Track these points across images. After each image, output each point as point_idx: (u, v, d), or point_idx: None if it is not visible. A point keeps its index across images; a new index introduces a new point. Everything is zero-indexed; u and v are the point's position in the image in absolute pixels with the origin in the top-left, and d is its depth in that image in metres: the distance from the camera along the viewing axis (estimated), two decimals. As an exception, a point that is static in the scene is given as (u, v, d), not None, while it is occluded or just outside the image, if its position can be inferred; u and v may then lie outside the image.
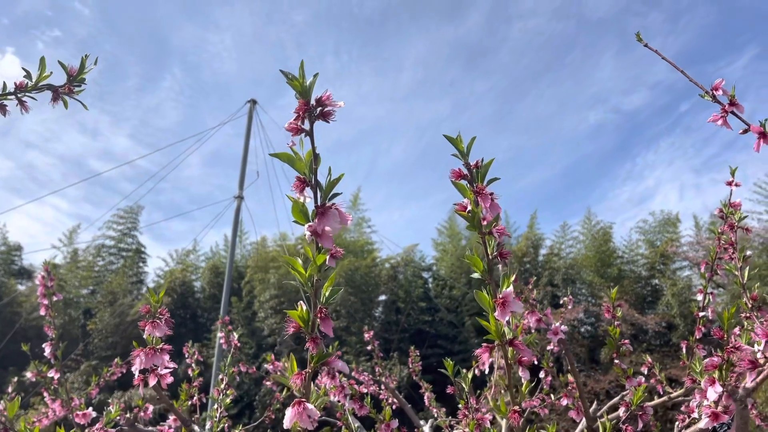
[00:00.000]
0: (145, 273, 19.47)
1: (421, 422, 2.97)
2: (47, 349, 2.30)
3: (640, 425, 1.25)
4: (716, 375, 1.00)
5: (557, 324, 1.77)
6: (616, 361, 1.68)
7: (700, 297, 1.83)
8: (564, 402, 1.90)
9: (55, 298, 2.29)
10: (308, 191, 0.75)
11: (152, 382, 1.15)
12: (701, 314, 1.82)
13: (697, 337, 1.81)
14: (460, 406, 1.64)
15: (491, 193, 0.82)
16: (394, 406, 3.18)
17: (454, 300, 17.95)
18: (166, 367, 1.17)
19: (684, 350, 1.85)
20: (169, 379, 1.18)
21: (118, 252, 19.29)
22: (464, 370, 1.52)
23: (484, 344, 0.79)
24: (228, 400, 1.82)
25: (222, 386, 1.96)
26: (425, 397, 3.35)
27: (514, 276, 0.78)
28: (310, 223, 0.74)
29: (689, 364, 1.15)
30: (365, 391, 1.95)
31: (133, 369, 1.15)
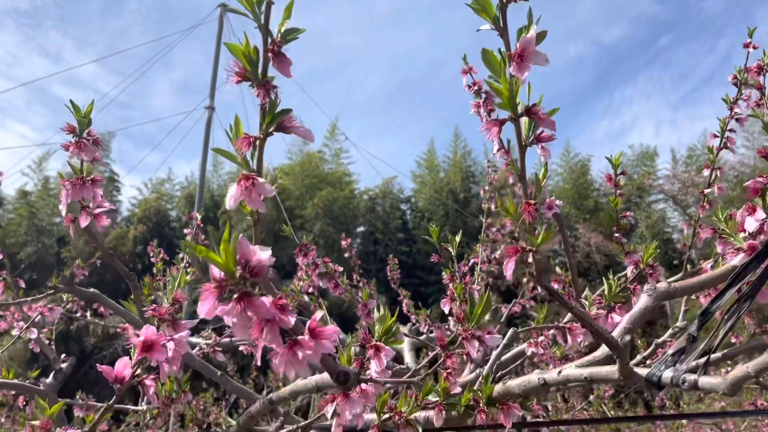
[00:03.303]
0: (119, 202, 19.08)
1: (400, 326, 2.85)
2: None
3: (652, 281, 1.10)
4: (758, 202, 0.84)
5: (551, 197, 1.60)
6: (616, 235, 1.54)
7: (706, 172, 1.68)
8: (555, 286, 1.75)
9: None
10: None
11: (84, 222, 0.97)
12: (706, 191, 1.68)
13: (702, 215, 1.67)
14: (444, 275, 1.49)
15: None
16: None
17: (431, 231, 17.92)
18: (101, 206, 0.98)
19: (685, 232, 1.72)
20: (105, 221, 0.99)
21: (89, 180, 18.82)
22: (450, 235, 1.36)
23: (491, 121, 0.61)
24: (188, 278, 1.64)
25: (182, 264, 1.79)
26: (403, 304, 3.23)
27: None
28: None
29: (715, 212, 0.99)
30: (341, 269, 1.81)
31: (60, 207, 0.96)
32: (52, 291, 1.17)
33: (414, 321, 3.09)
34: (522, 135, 0.61)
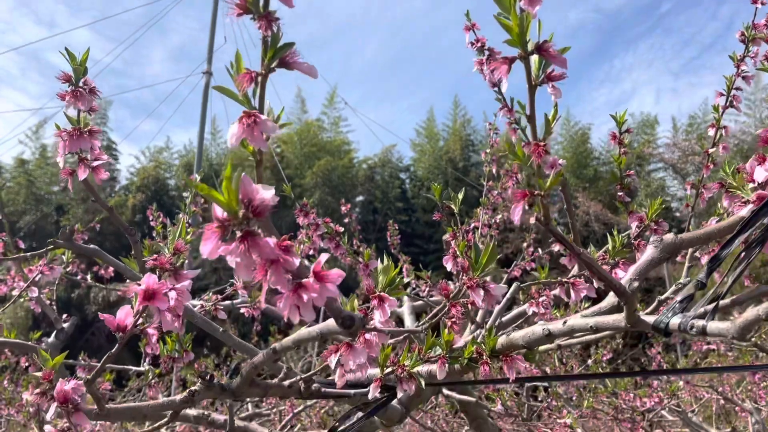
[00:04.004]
0: (117, 171, 19.02)
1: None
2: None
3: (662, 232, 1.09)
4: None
5: (554, 156, 1.58)
6: (620, 194, 1.52)
7: (711, 132, 1.65)
8: (555, 248, 1.74)
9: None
10: None
11: (82, 175, 0.95)
12: (711, 150, 1.66)
13: (705, 175, 1.65)
14: (446, 236, 1.49)
15: None
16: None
17: (430, 200, 17.92)
18: (99, 158, 0.96)
19: (688, 192, 1.70)
20: (104, 175, 0.98)
21: (87, 149, 18.73)
22: (452, 192, 1.35)
23: (499, 59, 0.59)
24: (189, 238, 1.62)
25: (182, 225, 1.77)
26: (403, 270, 3.23)
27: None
28: None
29: (723, 167, 0.98)
30: (342, 230, 1.80)
31: (57, 159, 0.94)
32: (52, 246, 1.16)
33: (414, 286, 3.10)
34: (532, 74, 0.59)
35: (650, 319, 0.67)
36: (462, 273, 0.75)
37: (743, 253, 0.65)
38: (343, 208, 3.53)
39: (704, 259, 1.42)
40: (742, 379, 3.83)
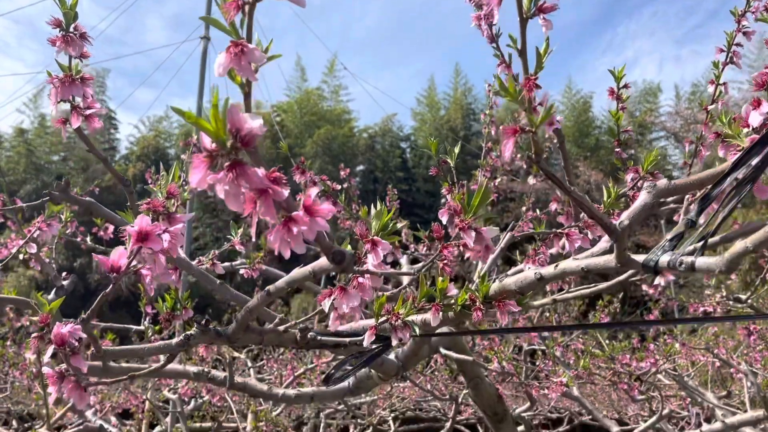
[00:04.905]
0: (117, 140, 18.96)
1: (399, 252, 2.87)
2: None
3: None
4: (763, 95, 0.82)
5: (546, 92, 1.57)
6: (617, 150, 1.52)
7: (711, 89, 1.64)
8: (552, 207, 1.74)
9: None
10: None
11: (75, 123, 0.95)
12: (710, 107, 1.64)
13: (704, 132, 1.64)
14: (443, 190, 1.48)
15: None
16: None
17: (430, 169, 17.89)
18: (91, 107, 0.96)
19: (687, 149, 1.69)
20: (98, 124, 0.97)
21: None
22: (449, 146, 1.34)
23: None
24: (186, 195, 1.63)
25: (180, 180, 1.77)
26: (402, 234, 3.24)
27: None
28: None
29: (719, 116, 0.97)
30: (338, 187, 1.81)
31: (50, 108, 0.94)
32: (48, 198, 1.16)
33: (413, 250, 3.12)
34: (523, 6, 0.59)
35: (640, 258, 0.68)
36: (455, 215, 0.75)
37: (733, 191, 0.65)
38: (342, 173, 3.52)
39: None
40: (739, 344, 3.87)
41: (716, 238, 0.75)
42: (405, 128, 20.52)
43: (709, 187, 0.67)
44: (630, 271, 1.42)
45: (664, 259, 0.64)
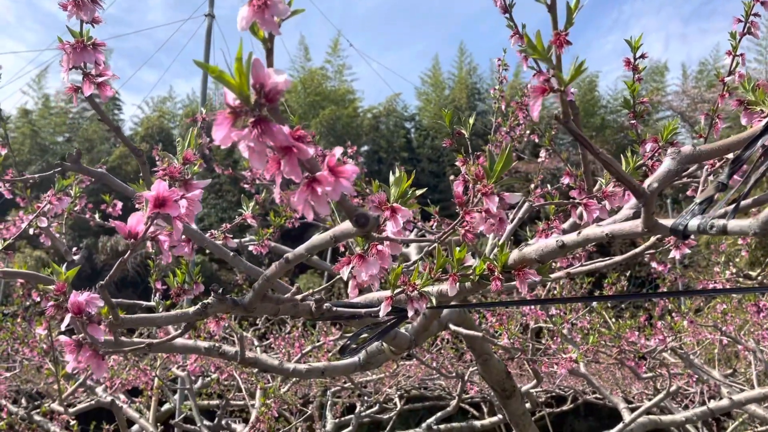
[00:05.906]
0: (120, 120, 18.91)
1: (406, 232, 2.86)
2: None
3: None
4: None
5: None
6: (633, 122, 1.49)
7: (728, 60, 1.61)
8: (565, 181, 1.72)
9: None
10: None
11: (87, 91, 0.93)
12: (726, 78, 1.61)
13: (721, 105, 1.61)
14: (457, 162, 1.47)
15: None
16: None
17: (436, 150, 17.83)
18: (103, 74, 0.94)
19: (702, 123, 1.67)
20: (110, 92, 0.96)
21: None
22: (464, 116, 1.32)
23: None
24: (196, 168, 1.61)
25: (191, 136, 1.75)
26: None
27: None
28: None
29: (743, 83, 0.95)
30: (347, 160, 1.80)
31: (62, 74, 0.92)
32: (59, 168, 1.15)
33: (420, 227, 3.10)
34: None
35: (668, 222, 0.66)
36: (476, 181, 0.74)
37: (764, 155, 0.64)
38: (349, 150, 3.50)
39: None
40: (746, 322, 3.86)
41: (749, 200, 0.74)
42: (410, 108, 20.41)
43: (740, 151, 0.65)
44: (646, 243, 1.41)
45: (694, 222, 0.63)
